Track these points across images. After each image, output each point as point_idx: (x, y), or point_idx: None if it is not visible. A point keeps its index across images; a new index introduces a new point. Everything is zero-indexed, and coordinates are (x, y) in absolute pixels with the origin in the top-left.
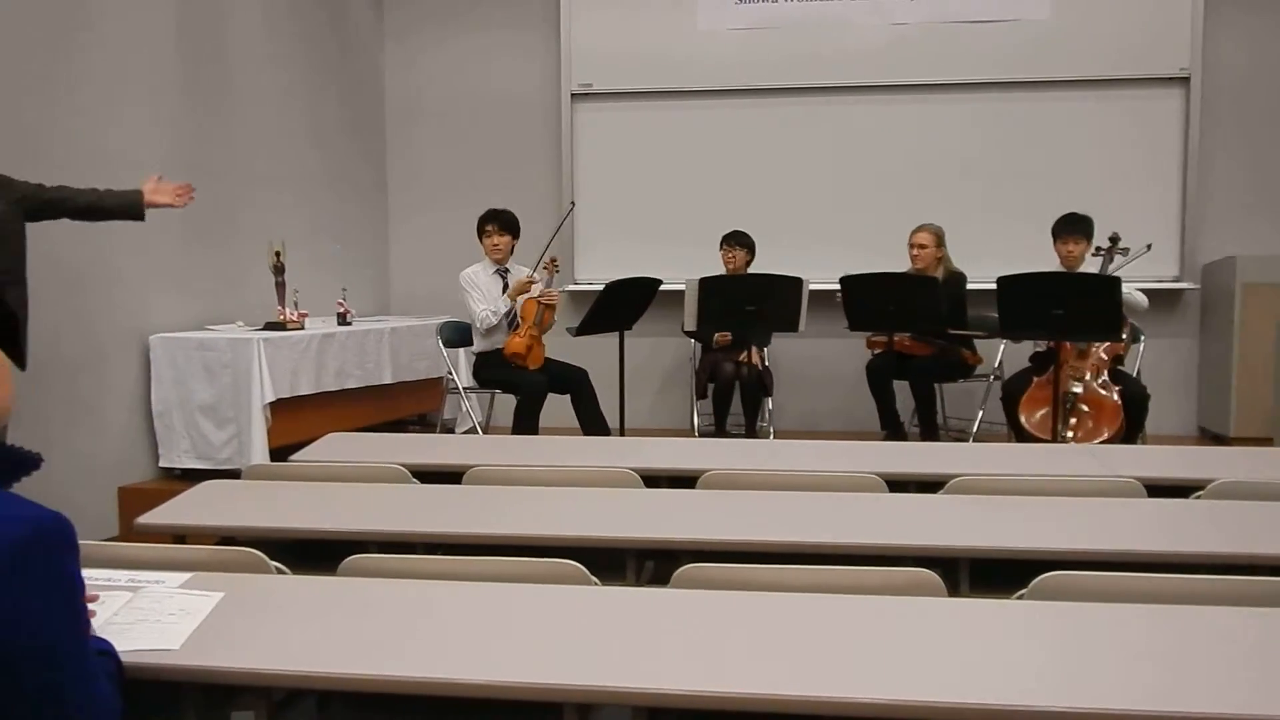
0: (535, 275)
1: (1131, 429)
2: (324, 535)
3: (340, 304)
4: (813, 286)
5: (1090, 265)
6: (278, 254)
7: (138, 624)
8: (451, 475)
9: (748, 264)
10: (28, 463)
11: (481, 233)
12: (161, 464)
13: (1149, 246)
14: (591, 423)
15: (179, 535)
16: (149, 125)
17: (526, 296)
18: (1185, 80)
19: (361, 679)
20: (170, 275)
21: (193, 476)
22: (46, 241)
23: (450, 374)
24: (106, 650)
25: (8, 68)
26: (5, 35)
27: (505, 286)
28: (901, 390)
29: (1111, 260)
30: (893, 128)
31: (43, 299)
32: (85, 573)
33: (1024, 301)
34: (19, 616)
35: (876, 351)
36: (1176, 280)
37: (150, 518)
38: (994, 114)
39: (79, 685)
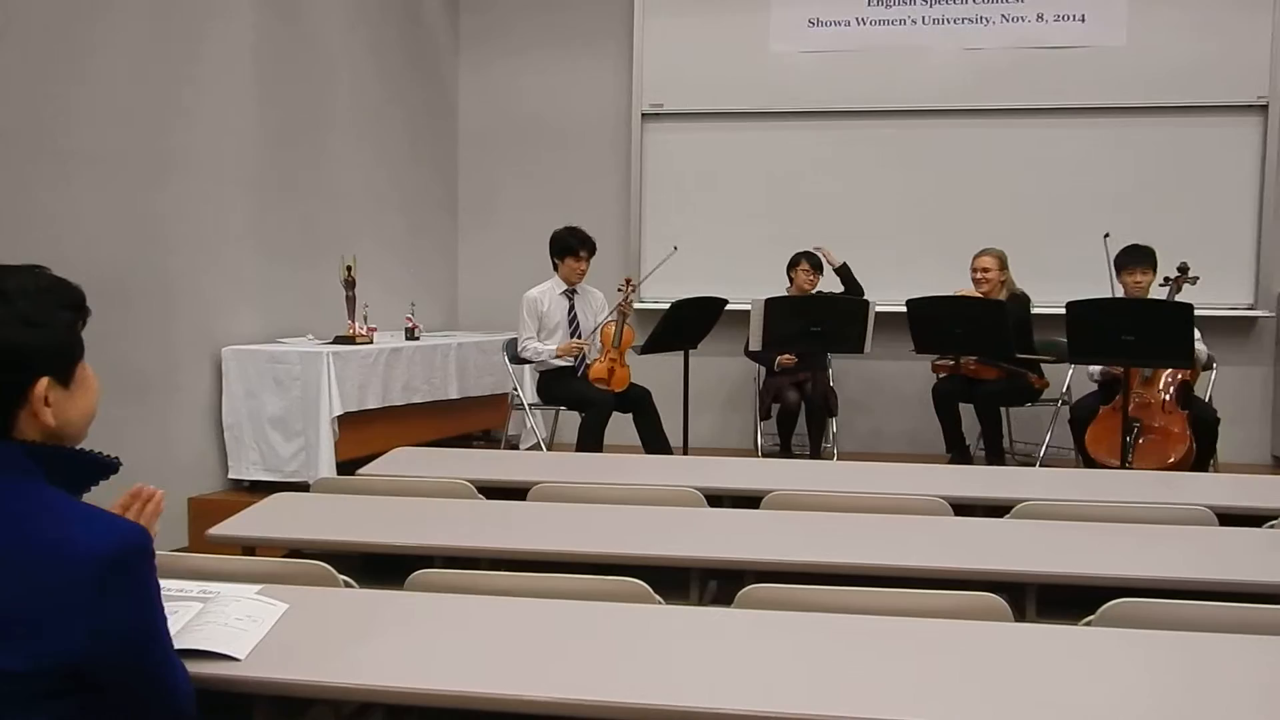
0: (589, 343)
1: (1202, 455)
2: (391, 550)
3: (409, 319)
4: (879, 308)
5: (1156, 294)
6: (349, 269)
7: (206, 626)
8: (516, 492)
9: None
10: (106, 467)
11: (567, 253)
12: (230, 475)
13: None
14: (654, 442)
15: (249, 547)
16: (226, 136)
17: (604, 320)
18: (1263, 108)
19: (430, 694)
20: (243, 288)
21: (261, 488)
22: (123, 252)
23: (515, 390)
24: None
25: (103, 82)
26: (98, 51)
27: (571, 308)
28: (967, 414)
29: (1179, 289)
30: (962, 152)
31: (119, 310)
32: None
33: (1095, 327)
34: (117, 616)
35: (942, 375)
36: (1251, 308)
37: (221, 529)
38: (1066, 139)
39: (165, 671)
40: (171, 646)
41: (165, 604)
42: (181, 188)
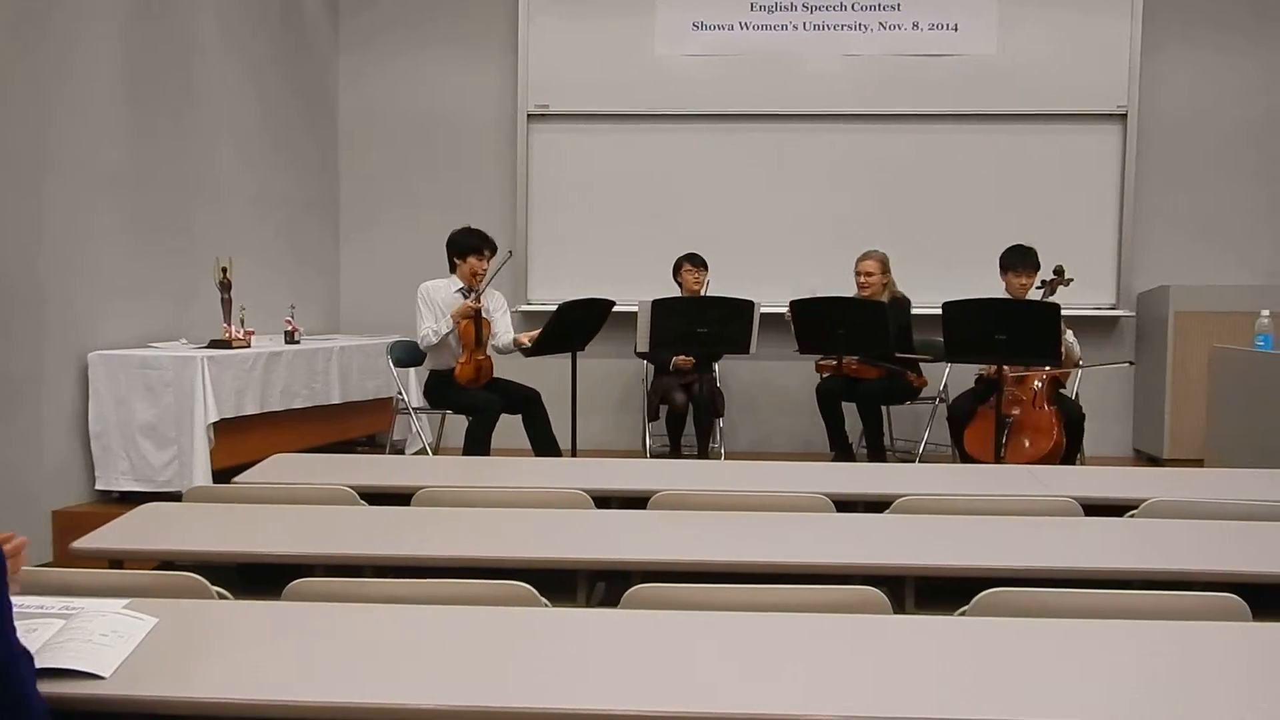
0: (475, 302)
1: (1070, 449)
2: (268, 559)
3: (288, 322)
4: (764, 309)
5: (1035, 295)
6: (224, 270)
7: (68, 643)
8: (400, 497)
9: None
10: None
11: (469, 252)
12: (98, 486)
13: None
14: (543, 443)
15: (116, 560)
16: (94, 132)
17: (464, 321)
18: (1123, 117)
19: (307, 706)
20: (112, 290)
21: (131, 499)
22: None
23: (400, 394)
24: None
25: None
26: None
27: None
28: (850, 412)
29: (1054, 291)
30: (844, 155)
31: None
32: (16, 600)
33: (969, 326)
34: None
35: (825, 374)
36: (1113, 308)
37: (86, 542)
38: (940, 145)
39: (17, 692)
40: (28, 672)
41: (24, 622)
42: (42, 186)
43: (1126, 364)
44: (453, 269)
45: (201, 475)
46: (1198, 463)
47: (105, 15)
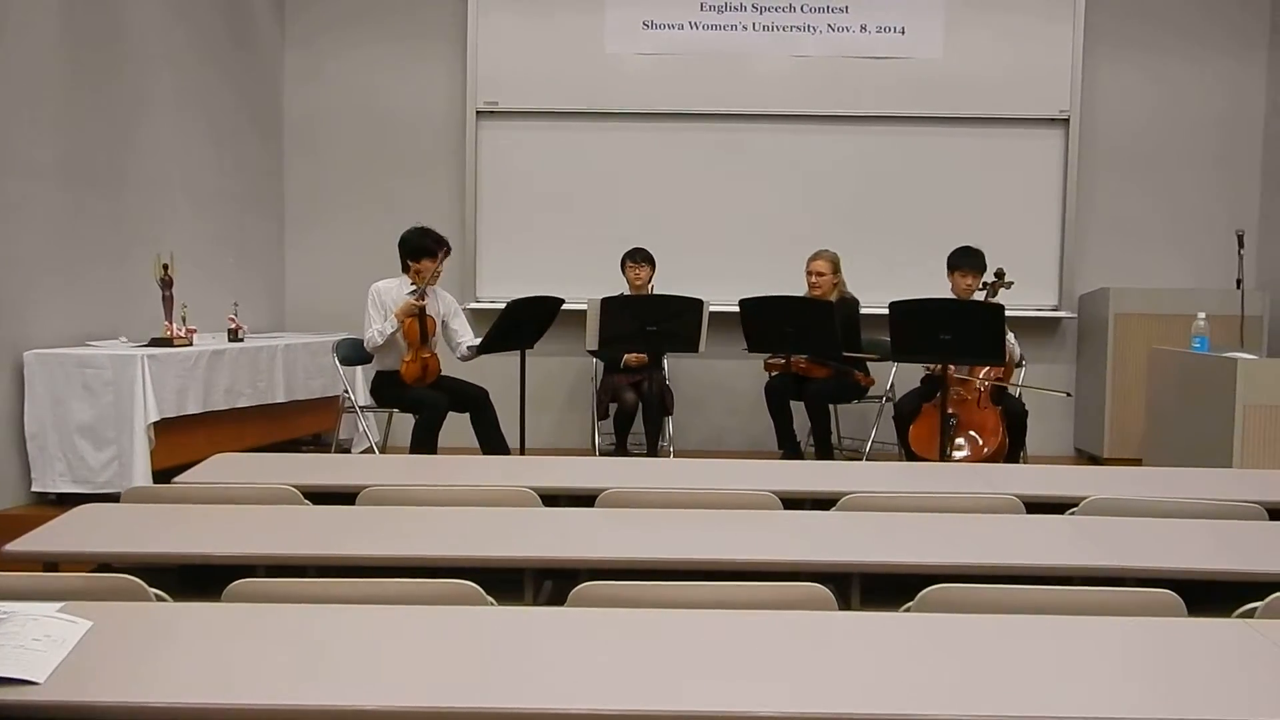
0: (417, 299)
1: (1014, 447)
2: (208, 560)
3: (232, 319)
4: (713, 308)
5: (976, 297)
6: (165, 266)
7: None
8: (345, 496)
9: (650, 280)
10: None
11: (423, 254)
12: (34, 488)
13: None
14: (491, 442)
15: (51, 563)
16: (30, 126)
17: (408, 319)
18: (1065, 121)
19: (248, 710)
20: (49, 287)
21: (69, 501)
22: None
23: (347, 392)
24: None
25: None
26: None
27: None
28: (798, 411)
29: (996, 293)
30: (793, 155)
31: None
32: None
33: (914, 326)
34: None
35: (774, 373)
36: (1055, 309)
37: (19, 544)
38: (888, 146)
39: None
40: None
41: None
42: None
43: (1065, 394)
44: (405, 269)
45: (141, 476)
46: (1136, 462)
47: (43, 5)
